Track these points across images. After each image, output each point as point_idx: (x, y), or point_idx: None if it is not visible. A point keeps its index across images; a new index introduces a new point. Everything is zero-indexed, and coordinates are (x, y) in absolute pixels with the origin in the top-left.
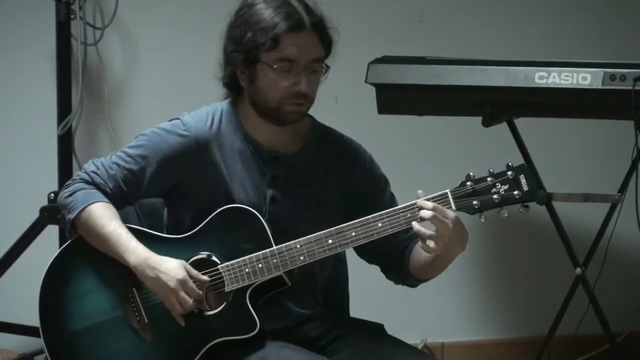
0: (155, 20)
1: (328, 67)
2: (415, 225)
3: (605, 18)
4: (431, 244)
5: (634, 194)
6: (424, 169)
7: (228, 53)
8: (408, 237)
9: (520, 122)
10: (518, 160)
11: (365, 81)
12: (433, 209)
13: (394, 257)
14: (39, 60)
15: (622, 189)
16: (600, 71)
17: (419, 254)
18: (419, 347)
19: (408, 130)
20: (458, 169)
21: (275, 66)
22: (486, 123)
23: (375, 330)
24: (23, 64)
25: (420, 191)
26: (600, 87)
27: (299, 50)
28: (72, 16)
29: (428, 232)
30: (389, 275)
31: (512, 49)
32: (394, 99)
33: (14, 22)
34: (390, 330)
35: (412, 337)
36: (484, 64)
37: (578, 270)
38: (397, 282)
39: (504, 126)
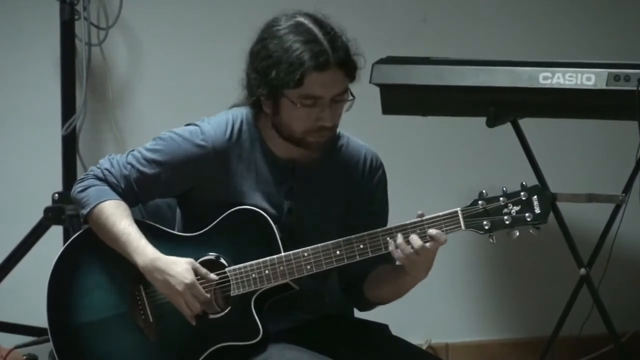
0: (159, 20)
1: (354, 97)
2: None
3: (610, 18)
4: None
5: (638, 195)
6: (428, 169)
7: (252, 84)
8: (376, 260)
9: (525, 123)
10: (522, 161)
11: (370, 81)
12: (437, 235)
13: (357, 274)
14: (43, 60)
15: (627, 189)
16: (604, 72)
17: (383, 273)
18: (423, 347)
19: (412, 130)
20: (462, 170)
21: (298, 104)
22: (490, 123)
23: (379, 331)
24: (27, 64)
25: (419, 212)
26: (604, 87)
27: (324, 88)
28: (76, 16)
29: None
30: (341, 289)
31: (516, 49)
32: (399, 100)
33: (18, 22)
34: (394, 330)
35: (416, 338)
36: (488, 64)
37: (582, 271)
38: (346, 300)
39: (508, 126)
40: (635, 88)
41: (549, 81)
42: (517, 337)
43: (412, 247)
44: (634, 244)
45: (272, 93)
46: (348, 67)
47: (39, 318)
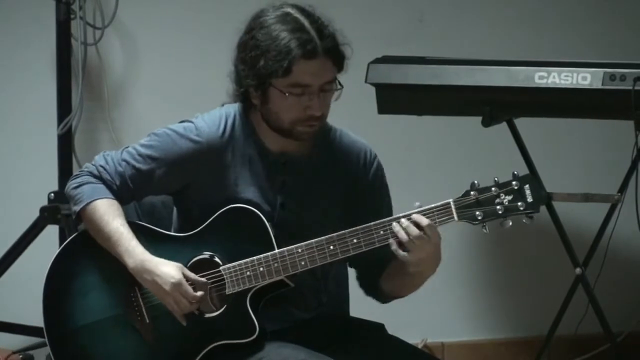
0: (155, 20)
1: (342, 86)
2: (396, 227)
3: (606, 18)
4: (406, 252)
5: (634, 194)
6: (424, 168)
7: (240, 75)
8: (390, 254)
9: (520, 122)
10: (518, 160)
11: (365, 81)
12: (427, 227)
13: (374, 268)
14: (39, 60)
15: (622, 189)
16: (600, 71)
17: (394, 267)
18: (419, 347)
19: (408, 130)
20: (458, 169)
21: (286, 93)
22: (486, 123)
23: (375, 330)
24: (23, 63)
25: (417, 203)
26: (600, 87)
27: (312, 76)
28: (72, 16)
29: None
30: (361, 284)
31: (512, 48)
32: (394, 99)
33: (14, 22)
34: (390, 330)
35: (412, 337)
36: (484, 63)
37: (578, 270)
38: (366, 293)
39: (503, 126)
40: (630, 87)
41: (544, 81)
42: (513, 337)
43: (411, 234)
44: (630, 243)
45: (261, 83)
46: (336, 56)
47: (35, 317)
